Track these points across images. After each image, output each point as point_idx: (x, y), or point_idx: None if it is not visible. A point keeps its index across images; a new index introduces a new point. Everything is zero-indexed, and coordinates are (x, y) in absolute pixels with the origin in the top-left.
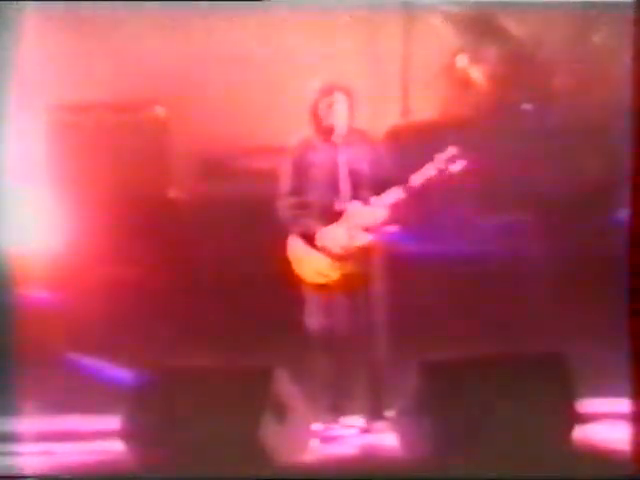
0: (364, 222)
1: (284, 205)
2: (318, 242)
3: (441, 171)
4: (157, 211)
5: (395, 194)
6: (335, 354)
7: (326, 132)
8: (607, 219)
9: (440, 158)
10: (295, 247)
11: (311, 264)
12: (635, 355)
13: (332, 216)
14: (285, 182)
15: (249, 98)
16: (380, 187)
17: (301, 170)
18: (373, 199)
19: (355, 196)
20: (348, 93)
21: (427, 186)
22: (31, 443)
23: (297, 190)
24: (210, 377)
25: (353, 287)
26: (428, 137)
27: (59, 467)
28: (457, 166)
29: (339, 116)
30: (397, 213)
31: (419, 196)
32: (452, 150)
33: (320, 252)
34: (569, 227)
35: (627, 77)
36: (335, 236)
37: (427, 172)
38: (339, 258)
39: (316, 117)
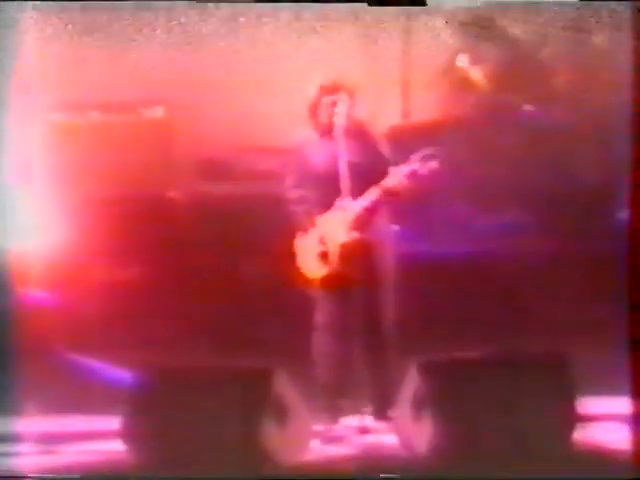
0: (351, 218)
1: (288, 201)
2: (317, 238)
3: (414, 171)
4: (157, 211)
5: (372, 194)
6: (335, 353)
7: (326, 130)
8: (607, 219)
9: (414, 158)
10: (296, 243)
11: (311, 261)
12: (635, 355)
13: (331, 212)
14: (288, 179)
15: (249, 98)
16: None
17: (303, 167)
18: (357, 198)
19: (354, 192)
20: (348, 92)
21: (405, 186)
22: (31, 443)
23: (299, 187)
24: (210, 377)
25: (353, 285)
26: (428, 137)
27: (59, 467)
28: (432, 166)
29: (339, 114)
30: (382, 211)
31: (414, 195)
32: (426, 150)
33: (319, 249)
34: (569, 227)
35: (627, 77)
36: (332, 232)
37: (400, 172)
38: (338, 255)
39: (316, 115)
